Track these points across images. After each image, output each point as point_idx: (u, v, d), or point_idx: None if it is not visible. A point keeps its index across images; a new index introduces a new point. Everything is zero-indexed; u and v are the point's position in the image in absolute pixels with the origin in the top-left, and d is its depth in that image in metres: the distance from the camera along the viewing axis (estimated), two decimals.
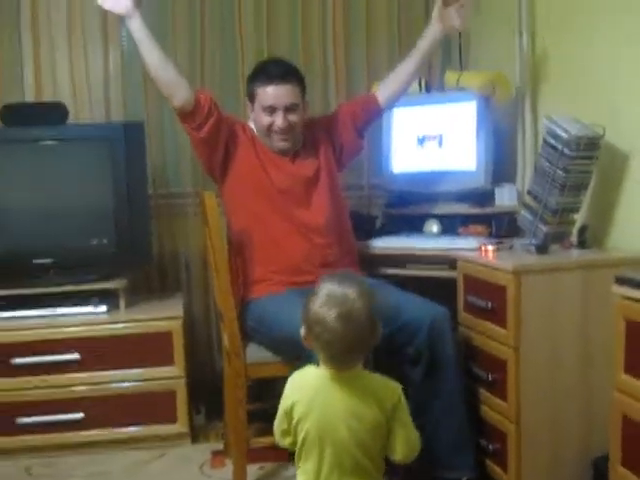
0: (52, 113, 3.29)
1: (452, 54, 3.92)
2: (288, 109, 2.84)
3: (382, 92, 3.07)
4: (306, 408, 1.73)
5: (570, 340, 2.47)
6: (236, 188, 2.91)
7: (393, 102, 3.13)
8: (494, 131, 3.31)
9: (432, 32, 2.99)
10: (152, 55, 2.76)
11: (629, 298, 1.93)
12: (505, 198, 3.25)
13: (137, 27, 2.73)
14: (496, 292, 2.52)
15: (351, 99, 3.34)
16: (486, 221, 3.20)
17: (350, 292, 1.65)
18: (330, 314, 1.63)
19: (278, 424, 1.82)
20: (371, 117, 3.11)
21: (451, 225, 3.26)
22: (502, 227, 3.12)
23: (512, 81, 3.27)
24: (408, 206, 3.45)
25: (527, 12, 3.19)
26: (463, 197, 3.33)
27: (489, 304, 2.56)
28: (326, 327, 1.63)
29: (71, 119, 3.39)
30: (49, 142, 3.28)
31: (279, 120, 2.83)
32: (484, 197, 3.30)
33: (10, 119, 3.27)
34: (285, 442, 1.82)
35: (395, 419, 1.74)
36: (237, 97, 3.61)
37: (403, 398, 1.78)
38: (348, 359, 1.70)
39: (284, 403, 1.78)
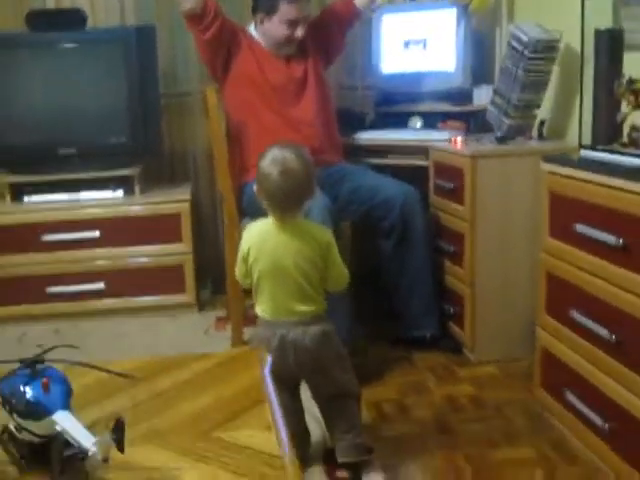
0: (72, 18, 3.63)
1: None
2: (304, 20, 3.19)
3: None
4: (259, 250, 2.11)
5: (520, 216, 2.86)
6: (236, 85, 3.26)
7: (369, 4, 3.44)
8: (475, 37, 3.63)
9: None
10: None
11: (552, 173, 2.31)
12: (482, 98, 3.56)
13: None
14: (457, 174, 2.91)
15: (332, 4, 3.59)
16: (465, 118, 3.55)
17: (289, 155, 2.05)
18: (273, 170, 2.03)
19: (239, 268, 2.19)
20: (351, 20, 3.44)
21: (433, 121, 3.61)
22: (478, 123, 3.46)
23: None
24: (395, 104, 3.81)
25: None
26: (445, 96, 3.67)
27: (451, 185, 2.96)
28: (270, 180, 2.04)
29: (89, 24, 3.73)
30: (70, 45, 3.63)
31: (300, 31, 3.17)
32: (463, 96, 3.64)
33: (35, 24, 3.61)
34: (246, 282, 2.20)
35: (328, 256, 2.11)
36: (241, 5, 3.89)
37: (333, 239, 2.15)
38: (289, 207, 2.08)
39: (241, 250, 2.15)
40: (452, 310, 3.06)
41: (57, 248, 3.51)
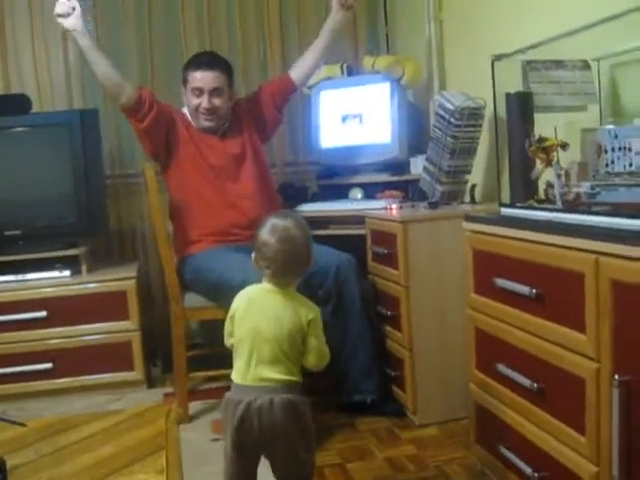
0: (17, 104, 3.72)
1: (380, 42, 4.39)
2: (212, 92, 3.28)
3: (295, 72, 3.53)
4: (244, 312, 2.12)
5: (452, 277, 2.92)
6: (177, 167, 3.35)
7: (305, 80, 3.60)
8: (411, 109, 3.77)
9: (331, 20, 3.46)
10: (99, 64, 3.18)
11: (473, 231, 2.39)
12: (419, 167, 3.67)
13: (85, 42, 3.15)
14: (390, 240, 2.99)
15: (268, 81, 3.78)
16: (403, 187, 3.65)
17: (289, 223, 2.09)
18: (272, 238, 2.06)
19: (226, 327, 2.19)
20: (287, 95, 3.56)
21: (373, 192, 3.71)
22: (416, 191, 3.57)
23: (422, 63, 3.73)
24: (336, 177, 3.92)
25: (434, 4, 3.66)
26: (383, 167, 3.79)
27: (385, 250, 3.03)
28: (269, 247, 2.06)
29: (36, 108, 3.84)
30: (15, 129, 3.71)
31: (204, 102, 3.28)
32: (401, 167, 3.77)
33: None
34: (229, 342, 2.19)
35: (309, 333, 2.11)
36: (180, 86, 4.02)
37: (319, 318, 2.15)
38: (285, 276, 2.11)
39: (231, 310, 2.16)
40: (394, 374, 3.10)
41: (4, 329, 3.51)
